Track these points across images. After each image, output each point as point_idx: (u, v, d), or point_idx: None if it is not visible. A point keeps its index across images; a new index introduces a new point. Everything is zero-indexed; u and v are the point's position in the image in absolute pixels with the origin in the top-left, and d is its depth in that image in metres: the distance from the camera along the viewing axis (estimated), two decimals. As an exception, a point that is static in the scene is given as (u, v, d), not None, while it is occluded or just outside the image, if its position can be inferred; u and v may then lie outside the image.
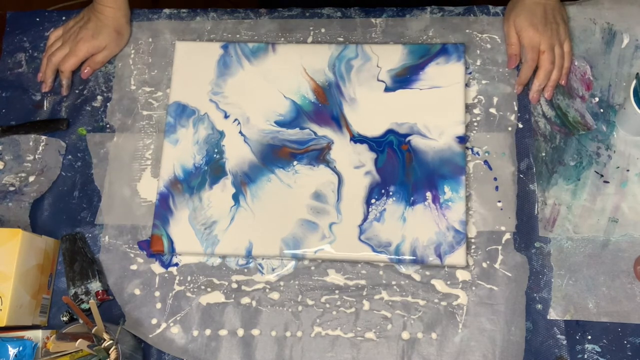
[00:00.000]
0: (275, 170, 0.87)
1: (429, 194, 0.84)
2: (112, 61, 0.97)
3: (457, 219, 0.83)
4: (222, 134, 0.89)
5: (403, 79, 0.90)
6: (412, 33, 0.94)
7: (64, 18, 1.00)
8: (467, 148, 0.88)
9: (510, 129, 0.88)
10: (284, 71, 0.92)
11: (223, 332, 0.82)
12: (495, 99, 0.90)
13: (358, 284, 0.83)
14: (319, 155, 0.87)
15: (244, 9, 0.99)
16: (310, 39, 0.96)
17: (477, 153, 0.88)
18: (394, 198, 0.84)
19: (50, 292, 0.86)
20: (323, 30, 0.96)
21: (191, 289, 0.84)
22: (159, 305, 0.84)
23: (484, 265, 0.83)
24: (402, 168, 0.86)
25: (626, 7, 0.93)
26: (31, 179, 0.91)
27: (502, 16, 0.94)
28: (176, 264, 0.86)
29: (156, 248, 0.85)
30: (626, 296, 0.80)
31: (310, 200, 0.85)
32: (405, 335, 0.81)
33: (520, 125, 0.89)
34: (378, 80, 0.90)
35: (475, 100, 0.90)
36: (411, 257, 0.82)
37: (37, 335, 0.78)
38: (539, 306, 0.81)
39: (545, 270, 0.82)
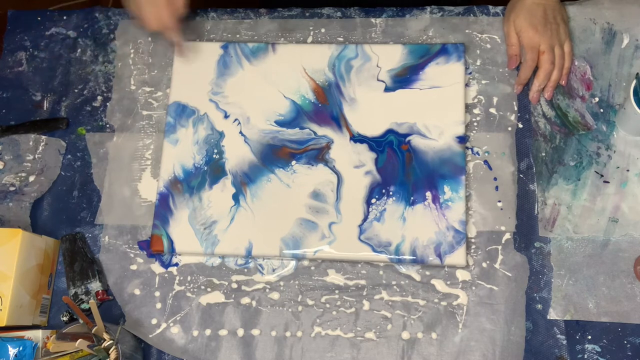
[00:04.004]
0: (275, 170, 0.87)
1: (428, 194, 0.84)
2: (111, 61, 0.97)
3: (457, 218, 0.83)
4: (221, 134, 0.89)
5: (403, 78, 0.90)
6: (412, 33, 0.94)
7: (64, 17, 1.00)
8: (467, 148, 0.88)
9: (510, 129, 0.88)
10: (284, 71, 0.92)
11: (223, 332, 0.82)
12: (495, 99, 0.90)
13: (358, 284, 0.83)
14: (318, 155, 0.87)
15: (243, 8, 0.99)
16: (310, 39, 0.96)
17: (477, 153, 0.88)
18: (394, 198, 0.84)
19: (50, 292, 0.86)
20: (323, 30, 0.96)
21: (191, 289, 0.84)
22: (159, 305, 0.84)
23: (484, 265, 0.83)
24: (402, 168, 0.86)
25: (626, 7, 0.93)
26: (31, 178, 0.91)
27: (502, 16, 0.94)
28: (176, 264, 0.86)
29: (156, 248, 0.85)
30: (626, 296, 0.80)
31: (309, 200, 0.85)
32: (405, 335, 0.81)
33: (520, 125, 0.89)
34: (378, 80, 0.90)
35: (475, 100, 0.90)
36: (411, 257, 0.82)
37: (37, 335, 0.78)
38: (539, 306, 0.81)
39: (545, 270, 0.82)
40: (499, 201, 0.85)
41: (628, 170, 0.85)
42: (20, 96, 0.97)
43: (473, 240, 0.84)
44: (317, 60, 0.92)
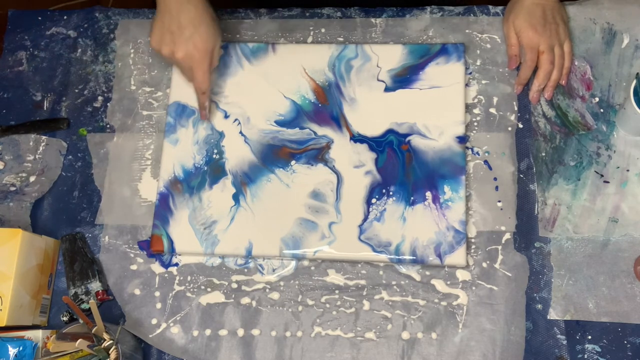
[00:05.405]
0: (275, 170, 0.87)
1: (428, 194, 0.84)
2: (112, 61, 0.97)
3: (457, 219, 0.83)
4: (221, 134, 0.89)
5: (403, 78, 0.90)
6: (412, 33, 0.94)
7: (65, 17, 1.00)
8: (467, 148, 0.88)
9: (510, 129, 0.88)
10: (284, 71, 0.92)
11: (223, 332, 0.82)
12: (495, 99, 0.90)
13: (358, 284, 0.83)
14: (318, 155, 0.87)
15: (244, 8, 0.99)
16: (310, 39, 0.96)
17: (477, 153, 0.88)
18: (394, 198, 0.84)
19: (50, 292, 0.86)
20: (323, 30, 0.96)
21: (191, 289, 0.84)
22: (159, 305, 0.84)
23: (484, 265, 0.83)
24: (402, 168, 0.86)
25: (626, 7, 0.93)
26: (32, 179, 0.91)
27: (502, 16, 0.94)
28: (176, 264, 0.86)
29: (156, 248, 0.85)
30: (626, 296, 0.80)
31: (309, 199, 0.85)
32: (405, 335, 0.81)
33: (520, 125, 0.89)
34: (378, 80, 0.90)
35: (475, 100, 0.90)
36: (411, 257, 0.82)
37: (37, 335, 0.78)
38: (539, 306, 0.81)
39: (545, 270, 0.82)
40: (499, 201, 0.85)
41: (628, 170, 0.85)
42: (21, 96, 0.97)
43: (473, 240, 0.84)
44: (317, 60, 0.92)
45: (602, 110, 0.89)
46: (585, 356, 0.79)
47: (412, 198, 0.84)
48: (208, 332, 0.82)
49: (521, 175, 0.86)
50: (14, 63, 0.99)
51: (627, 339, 0.79)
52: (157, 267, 0.86)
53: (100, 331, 0.74)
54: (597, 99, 0.89)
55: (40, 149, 0.93)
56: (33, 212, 0.90)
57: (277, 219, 0.85)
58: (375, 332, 0.81)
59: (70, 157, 0.92)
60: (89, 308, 0.75)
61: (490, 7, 0.95)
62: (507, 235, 0.84)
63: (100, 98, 0.95)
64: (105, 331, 0.75)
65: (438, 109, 0.88)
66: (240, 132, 0.89)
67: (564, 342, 0.79)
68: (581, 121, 0.88)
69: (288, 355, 0.81)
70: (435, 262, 0.81)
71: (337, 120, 0.89)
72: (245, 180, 0.87)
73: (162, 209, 0.86)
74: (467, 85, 0.91)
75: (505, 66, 0.91)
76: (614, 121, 0.88)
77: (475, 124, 0.89)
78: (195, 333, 0.83)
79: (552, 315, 0.80)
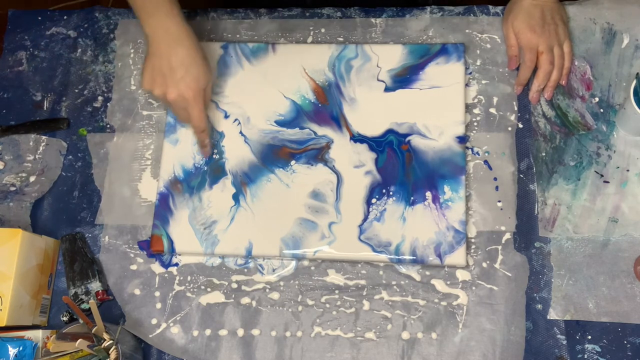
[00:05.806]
0: (275, 170, 0.87)
1: (428, 194, 0.84)
2: (112, 61, 0.97)
3: (457, 218, 0.83)
4: (221, 135, 0.89)
5: (403, 78, 0.90)
6: (412, 33, 0.94)
7: (64, 17, 1.00)
8: (467, 148, 0.88)
9: (510, 129, 0.88)
10: (284, 71, 0.92)
11: (223, 332, 0.82)
12: (495, 99, 0.90)
13: (358, 284, 0.83)
14: (317, 155, 0.87)
15: (243, 8, 0.99)
16: (310, 39, 0.96)
17: (477, 153, 0.88)
18: (394, 198, 0.84)
19: (50, 292, 0.86)
20: (323, 30, 0.96)
21: (191, 289, 0.84)
22: (159, 305, 0.84)
23: (484, 265, 0.83)
24: (402, 168, 0.86)
25: (626, 7, 0.93)
26: (32, 179, 0.91)
27: (501, 16, 0.94)
28: (176, 264, 0.86)
29: (156, 248, 0.85)
30: (626, 296, 0.80)
31: (308, 199, 0.85)
32: (405, 335, 0.81)
33: (520, 125, 0.89)
34: (378, 80, 0.90)
35: (475, 100, 0.90)
36: (411, 257, 0.82)
37: (37, 335, 0.78)
38: (539, 306, 0.81)
39: (545, 270, 0.82)
40: (499, 201, 0.85)
41: (628, 170, 0.85)
42: (21, 96, 0.97)
43: (473, 240, 0.84)
44: (317, 60, 0.92)
45: (602, 110, 0.89)
46: (585, 356, 0.79)
47: (412, 198, 0.84)
48: (208, 332, 0.82)
49: (521, 175, 0.86)
50: (14, 63, 0.99)
51: (627, 339, 0.79)
52: (157, 267, 0.86)
53: (100, 331, 0.74)
54: (597, 99, 0.89)
55: (40, 149, 0.93)
56: (33, 212, 0.90)
57: (277, 219, 0.85)
58: (375, 332, 0.81)
59: (70, 157, 0.92)
60: (89, 308, 0.75)
61: (490, 7, 0.95)
62: (507, 235, 0.84)
63: (100, 98, 0.95)
64: (105, 331, 0.75)
65: (438, 109, 0.88)
66: (240, 132, 0.89)
67: (564, 342, 0.79)
68: (581, 121, 0.88)
69: (288, 355, 0.81)
70: (435, 262, 0.81)
71: (337, 120, 0.89)
72: (245, 180, 0.87)
73: (162, 209, 0.86)
74: (467, 85, 0.91)
75: (505, 66, 0.91)
76: (614, 121, 0.88)
77: (475, 124, 0.89)
78: (195, 333, 0.83)
79: (552, 315, 0.80)
